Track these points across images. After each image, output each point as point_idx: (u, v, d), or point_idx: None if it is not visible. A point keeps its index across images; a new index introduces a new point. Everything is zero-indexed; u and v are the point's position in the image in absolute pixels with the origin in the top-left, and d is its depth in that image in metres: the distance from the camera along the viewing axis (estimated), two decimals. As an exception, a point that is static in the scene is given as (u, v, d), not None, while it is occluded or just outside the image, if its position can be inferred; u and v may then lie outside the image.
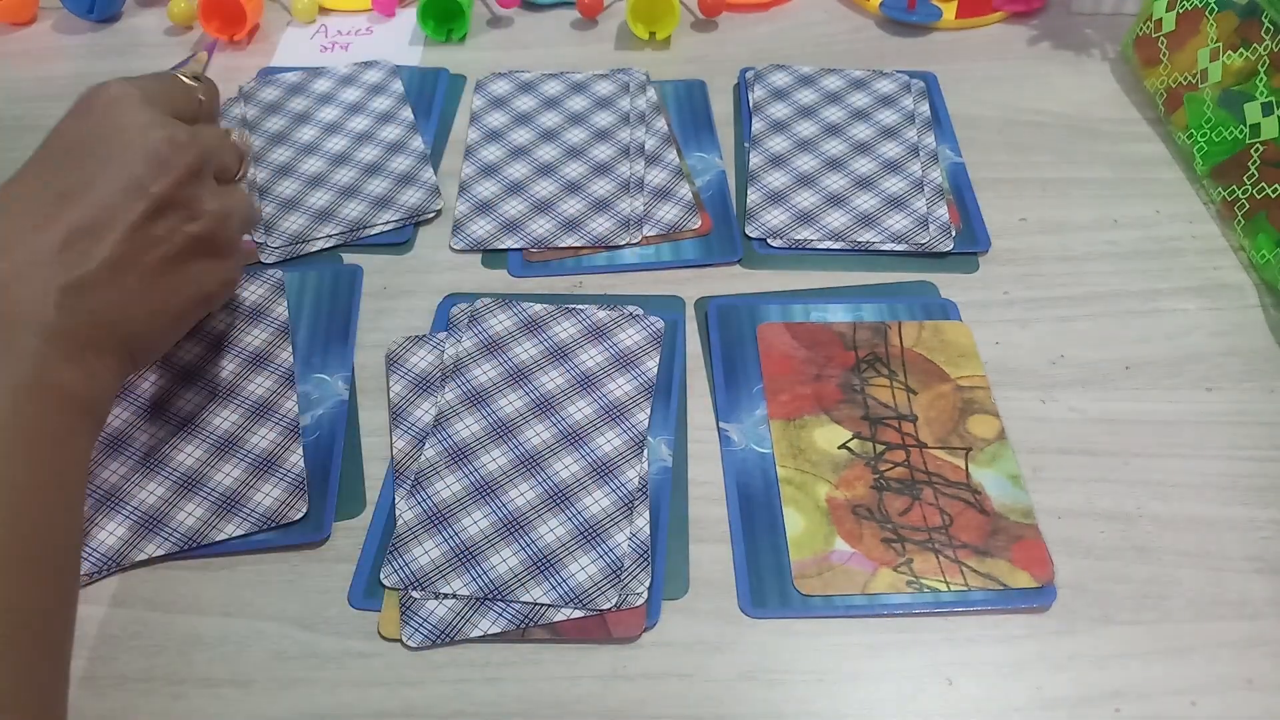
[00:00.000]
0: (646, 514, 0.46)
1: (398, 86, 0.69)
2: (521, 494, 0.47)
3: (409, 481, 0.48)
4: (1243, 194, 0.58)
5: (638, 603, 0.44)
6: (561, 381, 0.51)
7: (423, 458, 0.48)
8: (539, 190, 0.62)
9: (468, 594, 0.44)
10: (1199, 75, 0.62)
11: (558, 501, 0.47)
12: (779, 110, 0.67)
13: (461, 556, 0.45)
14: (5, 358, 0.37)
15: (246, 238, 0.57)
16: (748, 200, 0.61)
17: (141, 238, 0.41)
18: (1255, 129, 0.57)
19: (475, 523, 0.46)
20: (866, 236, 0.58)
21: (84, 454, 0.39)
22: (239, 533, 0.46)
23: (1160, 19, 0.66)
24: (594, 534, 0.46)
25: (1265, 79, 0.57)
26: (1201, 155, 0.61)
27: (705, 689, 0.42)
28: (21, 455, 0.36)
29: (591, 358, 0.52)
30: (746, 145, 0.65)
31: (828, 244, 0.58)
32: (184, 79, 0.48)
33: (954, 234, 0.58)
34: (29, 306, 0.38)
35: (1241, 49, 0.59)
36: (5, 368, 0.36)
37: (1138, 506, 0.47)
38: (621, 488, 0.47)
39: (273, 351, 0.53)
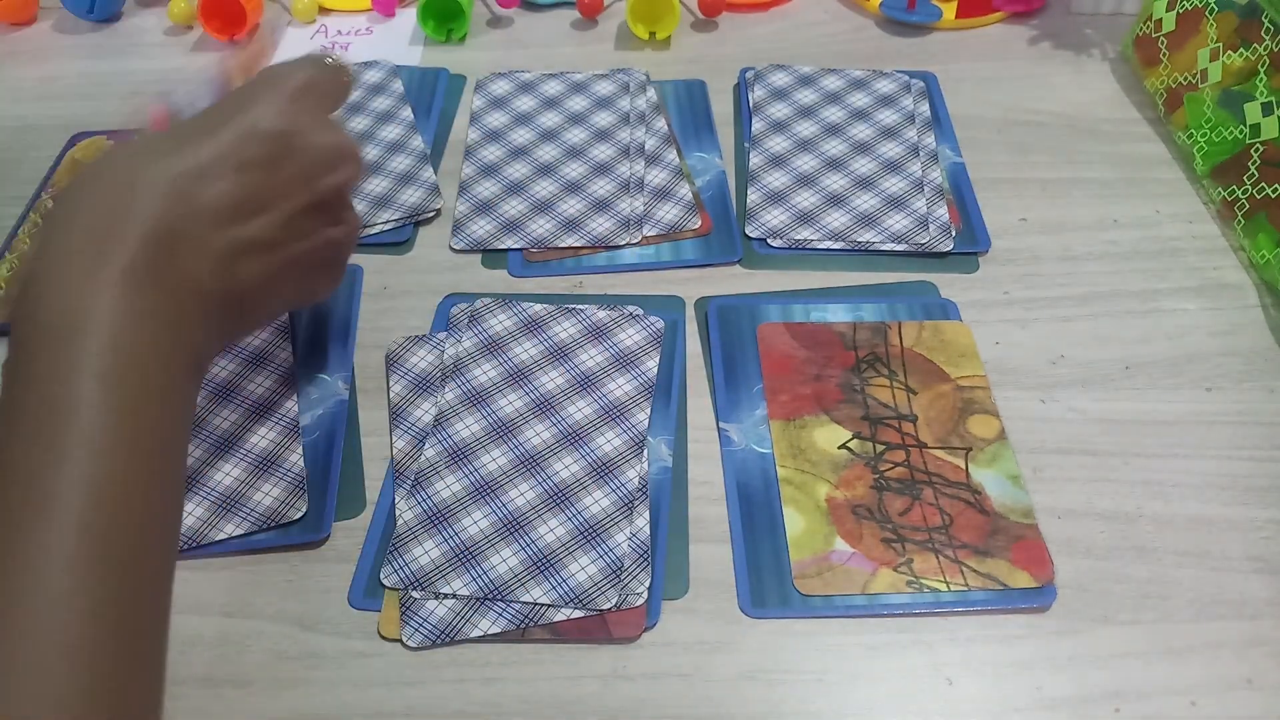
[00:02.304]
0: (646, 514, 0.46)
1: (398, 86, 0.69)
2: (521, 494, 0.47)
3: (409, 481, 0.48)
4: (1243, 194, 0.58)
5: (638, 603, 0.44)
6: (561, 381, 0.51)
7: (423, 458, 0.48)
8: (539, 190, 0.62)
9: (468, 594, 0.44)
10: (1199, 75, 0.62)
11: (558, 501, 0.47)
12: (779, 110, 0.67)
13: (461, 556, 0.45)
14: (167, 316, 0.38)
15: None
16: (748, 200, 0.61)
17: (295, 226, 0.43)
18: (1255, 129, 0.57)
19: (475, 523, 0.46)
20: (866, 236, 0.58)
21: (189, 418, 0.40)
22: (239, 532, 0.46)
23: (1160, 19, 0.66)
24: (594, 534, 0.46)
25: (1265, 79, 0.57)
26: (1201, 155, 0.61)
27: (705, 689, 0.42)
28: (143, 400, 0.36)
29: (591, 358, 0.52)
30: (746, 145, 0.65)
31: (828, 244, 0.58)
32: (336, 67, 0.47)
33: (954, 234, 0.58)
34: (191, 267, 0.39)
35: (1241, 49, 0.59)
36: (164, 330, 0.38)
37: (1138, 506, 0.47)
38: (621, 488, 0.47)
39: (273, 351, 0.53)
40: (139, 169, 0.39)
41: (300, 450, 0.49)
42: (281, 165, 0.42)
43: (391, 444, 0.50)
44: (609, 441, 0.49)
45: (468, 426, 0.50)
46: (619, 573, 0.44)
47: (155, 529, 0.35)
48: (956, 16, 0.74)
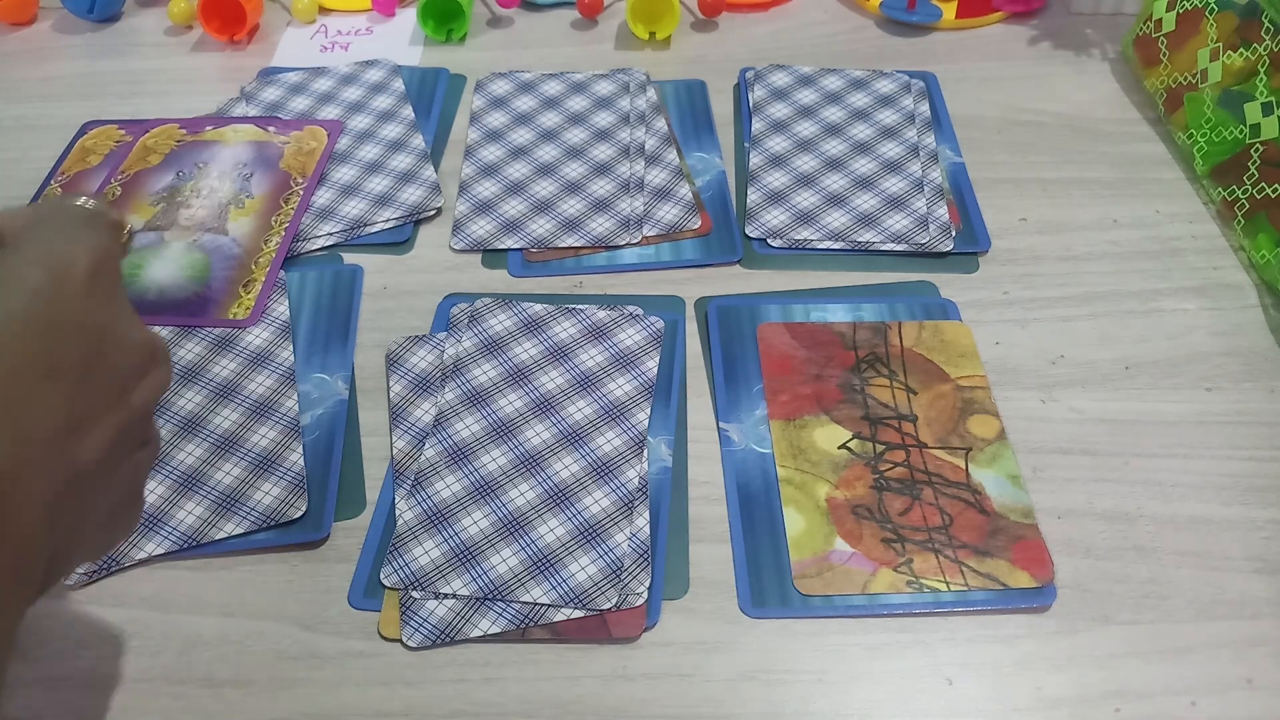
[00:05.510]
0: (646, 514, 0.46)
1: (399, 85, 0.69)
2: (521, 494, 0.47)
3: (409, 481, 0.48)
4: (1243, 194, 0.58)
5: (638, 603, 0.43)
6: (561, 381, 0.51)
7: (423, 458, 0.48)
8: (539, 190, 0.62)
9: (468, 594, 0.44)
10: (1199, 75, 0.62)
11: (558, 501, 0.47)
12: (779, 110, 0.67)
13: (461, 556, 0.45)
14: None
15: None
16: (748, 200, 0.61)
17: (114, 452, 0.33)
18: (1255, 129, 0.57)
19: (475, 523, 0.46)
20: (866, 236, 0.58)
21: None
22: (239, 531, 0.46)
23: (1160, 19, 0.66)
24: (594, 534, 0.46)
25: (1265, 79, 0.57)
26: (1201, 155, 0.61)
27: (705, 689, 0.42)
28: None
29: (591, 358, 0.52)
30: (746, 145, 0.65)
31: (828, 244, 0.58)
32: (116, 223, 0.36)
33: (954, 234, 0.58)
34: (11, 538, 0.29)
35: (1241, 49, 0.59)
36: None
37: (1138, 506, 0.47)
38: (621, 488, 0.47)
39: (273, 351, 0.53)
40: None
41: (300, 450, 0.49)
42: (94, 373, 0.31)
43: (391, 444, 0.50)
44: (609, 441, 0.49)
45: (468, 426, 0.50)
46: (619, 573, 0.44)
47: None
48: (956, 16, 0.74)
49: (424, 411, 0.51)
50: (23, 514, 0.29)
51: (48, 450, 0.30)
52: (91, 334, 0.31)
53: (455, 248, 0.59)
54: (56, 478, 0.30)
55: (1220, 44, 0.60)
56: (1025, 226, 0.60)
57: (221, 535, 0.46)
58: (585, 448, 0.49)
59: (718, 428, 0.50)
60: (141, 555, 0.45)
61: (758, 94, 0.68)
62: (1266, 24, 0.57)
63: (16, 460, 0.29)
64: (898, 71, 0.69)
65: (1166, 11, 0.65)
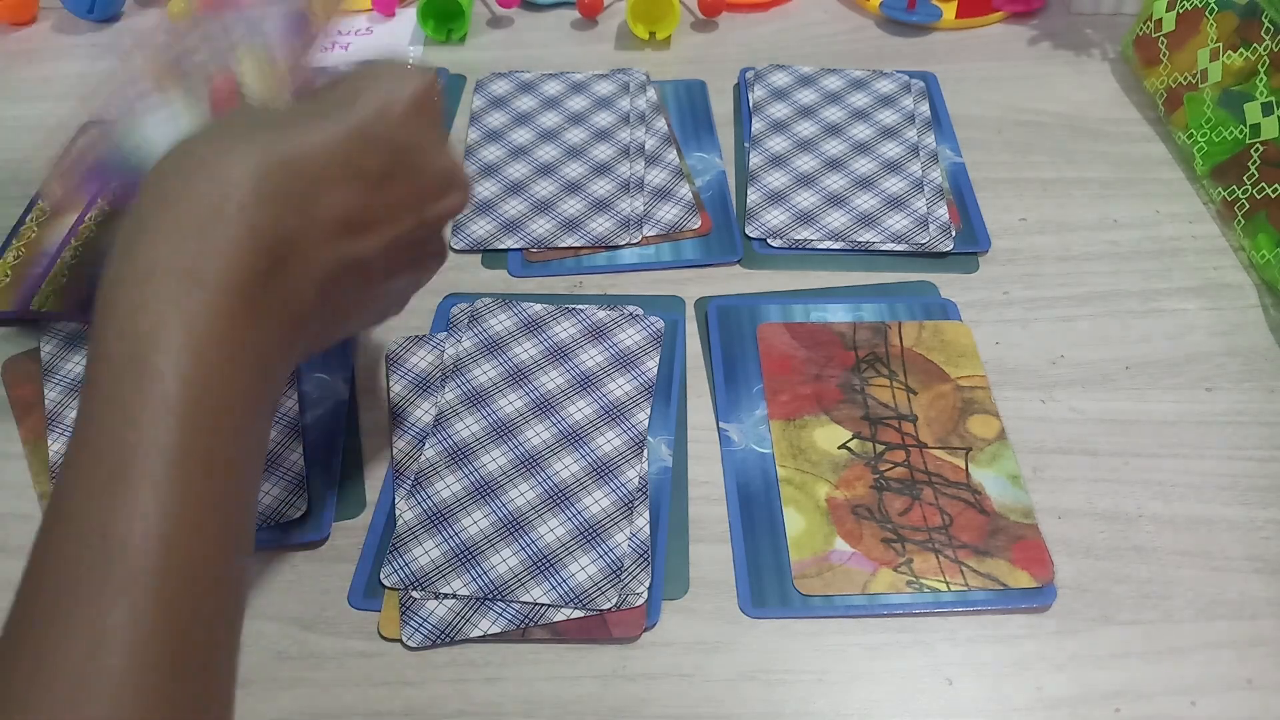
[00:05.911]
0: (646, 514, 0.46)
1: (398, 86, 0.69)
2: (521, 494, 0.47)
3: (409, 481, 0.48)
4: (1243, 194, 0.58)
5: (638, 603, 0.44)
6: (561, 381, 0.51)
7: (423, 458, 0.48)
8: (539, 190, 0.62)
9: (468, 594, 0.44)
10: (1199, 75, 0.62)
11: (558, 501, 0.47)
12: (779, 110, 0.67)
13: (461, 556, 0.45)
14: (260, 355, 0.34)
15: None
16: (748, 200, 0.61)
17: (392, 253, 0.39)
18: (1255, 129, 0.57)
19: (475, 523, 0.46)
20: (866, 236, 0.58)
21: (263, 459, 0.37)
22: (239, 533, 0.46)
23: (1160, 19, 0.66)
24: (594, 534, 0.46)
25: (1265, 79, 0.57)
26: (1201, 155, 0.61)
27: (705, 689, 0.42)
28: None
29: (591, 358, 0.52)
30: (746, 145, 0.65)
31: (828, 244, 0.58)
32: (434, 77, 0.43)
33: (954, 234, 0.58)
34: (295, 289, 0.36)
35: (1241, 49, 0.59)
36: (255, 374, 0.34)
37: (1138, 506, 0.47)
38: (621, 488, 0.47)
39: (273, 351, 0.53)
40: (239, 159, 0.34)
41: (300, 449, 0.49)
42: (395, 183, 0.38)
43: (391, 444, 0.50)
44: (609, 441, 0.49)
45: (468, 426, 0.50)
46: (619, 573, 0.44)
47: (225, 583, 0.32)
48: (956, 16, 0.74)
49: (424, 412, 0.51)
50: (301, 280, 0.35)
51: (333, 236, 0.36)
52: (399, 150, 0.38)
53: (455, 247, 0.59)
54: (335, 262, 0.36)
55: (1220, 44, 0.60)
56: (1025, 226, 0.60)
57: (221, 535, 0.46)
58: (585, 448, 0.49)
59: (718, 428, 0.50)
60: (141, 555, 0.45)
61: (758, 94, 0.68)
62: (1266, 24, 0.57)
63: (304, 235, 0.35)
64: (898, 71, 0.69)
65: (1166, 11, 0.65)
